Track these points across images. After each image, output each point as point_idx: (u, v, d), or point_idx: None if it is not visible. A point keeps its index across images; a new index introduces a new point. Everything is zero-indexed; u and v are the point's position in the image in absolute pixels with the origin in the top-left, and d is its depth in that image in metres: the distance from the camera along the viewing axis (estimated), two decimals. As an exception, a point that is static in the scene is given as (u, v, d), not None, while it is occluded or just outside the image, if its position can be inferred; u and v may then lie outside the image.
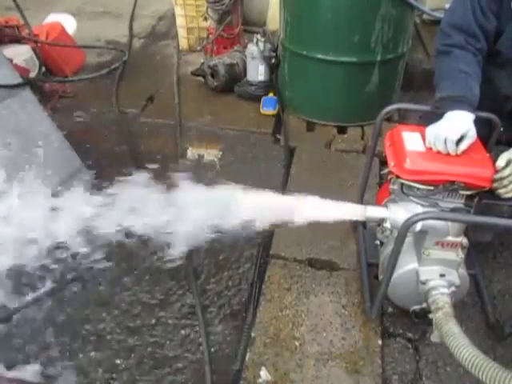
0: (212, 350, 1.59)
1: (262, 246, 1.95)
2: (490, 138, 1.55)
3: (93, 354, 1.57)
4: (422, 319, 1.50)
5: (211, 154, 2.53)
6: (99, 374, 1.51)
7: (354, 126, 2.71)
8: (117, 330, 1.64)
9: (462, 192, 1.36)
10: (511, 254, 1.95)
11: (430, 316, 1.35)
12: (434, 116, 1.46)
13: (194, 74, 3.13)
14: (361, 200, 1.81)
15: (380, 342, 1.56)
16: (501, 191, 1.32)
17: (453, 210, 1.39)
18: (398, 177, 1.41)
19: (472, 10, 1.49)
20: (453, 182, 1.33)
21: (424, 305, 1.44)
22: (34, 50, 2.99)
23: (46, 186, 1.59)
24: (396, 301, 1.56)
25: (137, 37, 4.02)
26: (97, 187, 1.49)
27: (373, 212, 1.44)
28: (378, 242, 1.68)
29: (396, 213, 1.40)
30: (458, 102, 1.41)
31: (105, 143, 2.59)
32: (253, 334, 1.57)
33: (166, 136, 2.67)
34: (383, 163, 2.16)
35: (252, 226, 1.39)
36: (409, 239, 1.45)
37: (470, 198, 1.38)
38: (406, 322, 1.63)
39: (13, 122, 1.89)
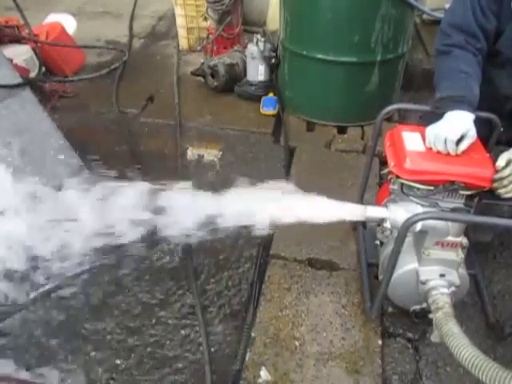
0: (212, 349, 1.59)
1: (261, 246, 1.95)
2: (490, 138, 1.55)
3: (93, 353, 1.57)
4: (421, 319, 1.50)
5: (211, 154, 2.53)
6: (99, 374, 1.52)
7: (354, 125, 2.71)
8: (117, 330, 1.64)
9: (461, 192, 1.36)
10: (511, 253, 1.95)
11: (430, 316, 1.35)
12: (434, 116, 1.46)
13: (193, 74, 3.13)
14: (361, 200, 1.81)
15: (380, 342, 1.56)
16: (501, 191, 1.32)
17: (453, 209, 1.39)
18: (398, 177, 1.41)
19: (472, 10, 1.49)
20: (453, 182, 1.33)
21: (424, 305, 1.44)
22: (34, 50, 2.99)
23: (46, 185, 1.59)
24: (396, 301, 1.56)
25: (137, 37, 4.01)
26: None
27: (373, 212, 1.44)
28: (377, 242, 1.68)
29: (396, 213, 1.40)
30: (457, 102, 1.41)
31: (105, 143, 2.59)
32: (253, 334, 1.57)
33: (165, 136, 2.67)
34: (383, 163, 2.16)
35: (250, 228, 1.39)
36: (409, 239, 1.45)
37: (470, 198, 1.38)
38: (406, 321, 1.63)
39: (13, 122, 1.89)
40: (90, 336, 1.63)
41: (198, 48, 3.49)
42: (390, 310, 1.68)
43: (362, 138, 2.63)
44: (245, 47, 3.08)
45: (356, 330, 1.59)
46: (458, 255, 1.40)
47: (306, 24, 2.44)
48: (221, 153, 2.54)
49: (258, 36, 2.90)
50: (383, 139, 1.59)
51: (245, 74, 3.03)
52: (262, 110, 2.85)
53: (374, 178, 2.23)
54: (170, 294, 1.77)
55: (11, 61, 2.41)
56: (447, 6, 1.68)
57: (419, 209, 1.38)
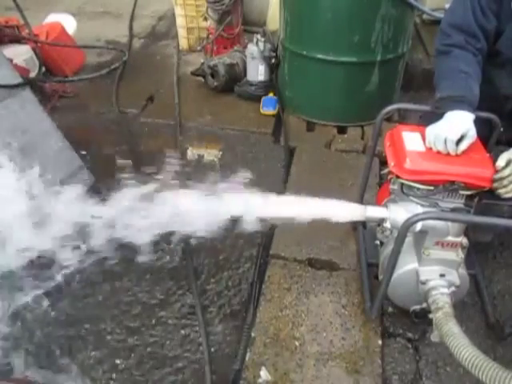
0: (212, 349, 1.59)
1: (261, 245, 1.95)
2: (490, 138, 1.55)
3: (93, 353, 1.57)
4: (421, 319, 1.50)
5: (211, 154, 2.53)
6: (99, 374, 1.52)
7: (354, 125, 2.71)
8: (117, 330, 1.64)
9: (462, 192, 1.36)
10: (511, 254, 1.95)
11: (430, 316, 1.35)
12: (434, 116, 1.46)
13: (193, 74, 3.13)
14: (361, 200, 1.81)
15: (380, 342, 1.56)
16: (501, 191, 1.32)
17: (453, 210, 1.39)
18: (398, 177, 1.41)
19: (472, 10, 1.49)
20: (453, 182, 1.33)
21: (424, 305, 1.44)
22: (34, 50, 2.99)
23: (46, 185, 1.59)
24: (396, 301, 1.56)
25: (137, 37, 4.02)
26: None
27: (373, 212, 1.44)
28: (377, 242, 1.68)
29: (396, 213, 1.40)
30: (458, 102, 1.41)
31: (105, 143, 2.59)
32: (253, 334, 1.57)
33: (166, 136, 2.67)
34: (383, 163, 2.16)
35: (251, 226, 1.39)
36: (409, 239, 1.45)
37: (470, 197, 1.38)
38: (406, 322, 1.63)
39: (13, 122, 1.89)
40: (89, 336, 1.63)
41: (198, 48, 3.49)
42: (390, 309, 1.68)
43: (362, 138, 2.63)
44: (245, 47, 3.08)
45: (356, 330, 1.59)
46: (458, 255, 1.40)
47: (306, 24, 2.44)
48: (221, 153, 2.54)
49: (258, 36, 2.90)
50: (383, 139, 1.59)
51: (245, 74, 3.03)
52: (262, 110, 2.85)
53: (374, 178, 2.23)
54: (170, 294, 1.77)
55: (11, 61, 2.41)
56: (447, 5, 1.68)
57: (419, 209, 1.38)
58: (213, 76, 3.01)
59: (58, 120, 2.14)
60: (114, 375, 1.51)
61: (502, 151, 1.34)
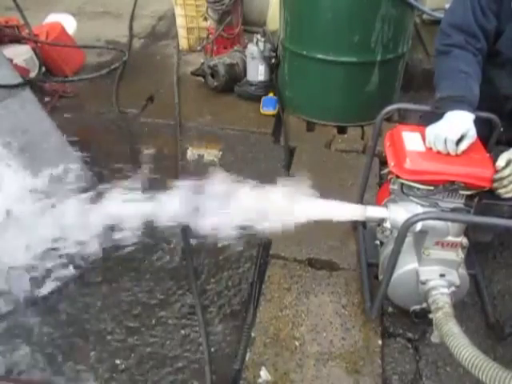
0: (212, 349, 1.59)
1: (262, 245, 1.95)
2: (490, 138, 1.55)
3: (93, 353, 1.57)
4: (421, 319, 1.50)
5: (211, 154, 2.53)
6: (99, 373, 1.51)
7: (354, 125, 2.71)
8: (117, 330, 1.64)
9: (462, 192, 1.36)
10: (511, 254, 1.95)
11: (430, 316, 1.35)
12: (434, 116, 1.46)
13: (193, 74, 3.13)
14: (361, 200, 1.81)
15: (380, 342, 1.56)
16: (501, 191, 1.32)
17: (453, 209, 1.39)
18: (398, 177, 1.41)
19: (472, 10, 1.49)
20: (453, 182, 1.33)
21: (424, 305, 1.44)
22: (34, 50, 2.99)
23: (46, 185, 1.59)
24: (396, 301, 1.56)
25: (137, 37, 4.01)
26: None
27: (373, 212, 1.44)
28: (377, 242, 1.68)
29: (396, 213, 1.40)
30: (458, 102, 1.41)
31: (105, 143, 2.59)
32: (253, 334, 1.57)
33: (166, 136, 2.67)
34: (383, 163, 2.16)
35: (251, 227, 1.39)
36: (409, 239, 1.45)
37: (470, 197, 1.38)
38: (406, 322, 1.63)
39: (12, 122, 1.88)
40: (89, 336, 1.63)
41: (198, 48, 3.49)
42: (390, 309, 1.68)
43: (362, 138, 2.63)
44: (245, 47, 3.08)
45: (356, 330, 1.59)
46: (458, 255, 1.40)
47: (306, 24, 2.44)
48: (221, 153, 2.54)
49: (258, 36, 2.90)
50: (383, 139, 1.59)
51: (245, 74, 3.03)
52: (262, 110, 2.85)
53: (374, 178, 2.23)
54: (170, 294, 1.77)
55: (11, 61, 2.41)
56: (447, 5, 1.68)
57: (419, 209, 1.38)
58: (213, 76, 3.01)
59: (58, 120, 2.14)
60: (114, 375, 1.51)
61: (502, 151, 1.34)
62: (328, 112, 2.70)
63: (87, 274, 1.82)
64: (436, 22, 2.95)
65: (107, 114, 2.87)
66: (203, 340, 1.59)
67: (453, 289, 1.39)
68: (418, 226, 1.33)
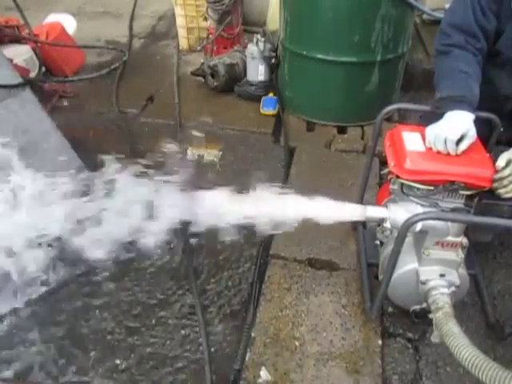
0: (212, 349, 1.59)
1: (261, 246, 1.95)
2: (490, 138, 1.55)
3: (93, 353, 1.57)
4: (421, 319, 1.50)
5: (211, 154, 2.53)
6: (99, 373, 1.51)
7: (354, 125, 2.71)
8: (117, 330, 1.64)
9: (462, 192, 1.36)
10: (511, 253, 1.95)
11: (430, 316, 1.35)
12: (434, 116, 1.46)
13: (193, 74, 3.13)
14: (361, 200, 1.81)
15: (380, 342, 1.56)
16: (501, 191, 1.32)
17: (453, 209, 1.39)
18: (398, 177, 1.41)
19: (472, 10, 1.49)
20: (453, 182, 1.33)
21: (424, 305, 1.44)
22: (34, 50, 2.99)
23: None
24: (396, 301, 1.56)
25: (137, 37, 4.01)
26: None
27: (373, 212, 1.44)
28: (377, 242, 1.68)
29: (396, 213, 1.40)
30: (458, 102, 1.41)
31: (105, 143, 2.59)
32: (253, 334, 1.57)
33: (166, 136, 2.67)
34: (383, 163, 2.16)
35: (252, 226, 1.39)
36: (409, 239, 1.45)
37: (470, 197, 1.38)
38: (406, 321, 1.63)
39: (13, 122, 1.88)
40: (90, 336, 1.63)
41: (198, 48, 3.49)
42: (390, 309, 1.68)
43: (362, 138, 2.63)
44: (245, 47, 3.08)
45: (356, 330, 1.59)
46: (458, 255, 1.40)
47: (306, 24, 2.44)
48: (221, 153, 2.54)
49: (258, 36, 2.90)
50: (383, 139, 1.59)
51: (245, 74, 3.03)
52: (262, 110, 2.85)
53: (374, 178, 2.23)
54: (170, 294, 1.77)
55: (11, 61, 2.41)
56: (447, 6, 1.68)
57: (419, 209, 1.38)
58: (213, 76, 3.01)
59: (58, 120, 2.14)
60: (114, 375, 1.51)
61: (502, 151, 1.34)
62: (328, 112, 2.70)
63: (87, 273, 1.82)
64: (436, 21, 2.95)
65: (107, 114, 2.87)
66: (203, 340, 1.59)
67: (453, 289, 1.39)
68: (418, 226, 1.33)
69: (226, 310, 1.73)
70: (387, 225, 1.42)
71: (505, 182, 1.30)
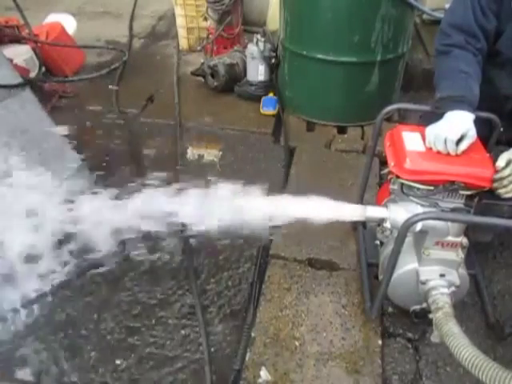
0: (212, 349, 1.59)
1: (262, 246, 1.95)
2: (490, 138, 1.55)
3: (93, 353, 1.57)
4: (421, 319, 1.50)
5: (211, 154, 2.53)
6: (99, 373, 1.52)
7: (354, 125, 2.71)
8: (117, 330, 1.64)
9: (462, 192, 1.36)
10: (511, 254, 1.95)
11: (430, 316, 1.35)
12: (434, 116, 1.46)
13: (193, 74, 3.13)
14: (361, 200, 1.81)
15: (380, 342, 1.56)
16: (501, 191, 1.32)
17: (453, 209, 1.39)
18: (398, 177, 1.41)
19: (472, 10, 1.49)
20: (453, 182, 1.33)
21: (424, 305, 1.44)
22: (34, 50, 2.99)
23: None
24: (396, 301, 1.56)
25: (137, 37, 4.01)
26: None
27: (373, 212, 1.44)
28: (377, 242, 1.68)
29: (396, 213, 1.40)
30: (458, 102, 1.41)
31: (105, 143, 2.59)
32: (253, 334, 1.57)
33: (166, 136, 2.67)
34: (383, 163, 2.16)
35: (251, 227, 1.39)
36: (409, 239, 1.45)
37: (470, 197, 1.38)
38: (406, 322, 1.63)
39: (12, 122, 1.89)
40: (90, 336, 1.63)
41: (198, 48, 3.49)
42: (390, 310, 1.68)
43: (362, 138, 2.63)
44: (245, 47, 3.08)
45: (356, 330, 1.59)
46: (458, 255, 1.40)
47: (306, 24, 2.44)
48: (221, 153, 2.54)
49: (258, 36, 2.90)
50: (383, 139, 1.59)
51: (245, 74, 3.03)
52: (262, 110, 2.85)
53: (374, 178, 2.23)
54: (170, 294, 1.77)
55: (11, 61, 2.41)
56: (447, 6, 1.68)
57: (419, 209, 1.38)
58: (213, 76, 3.01)
59: (58, 120, 2.14)
60: (114, 375, 1.51)
61: (502, 151, 1.34)
62: (328, 112, 2.70)
63: (87, 273, 1.82)
64: (436, 21, 2.95)
65: (107, 114, 2.87)
66: (203, 340, 1.59)
67: (453, 289, 1.39)
68: (418, 226, 1.33)
69: (225, 310, 1.73)
70: (387, 225, 1.42)
71: (505, 181, 1.30)
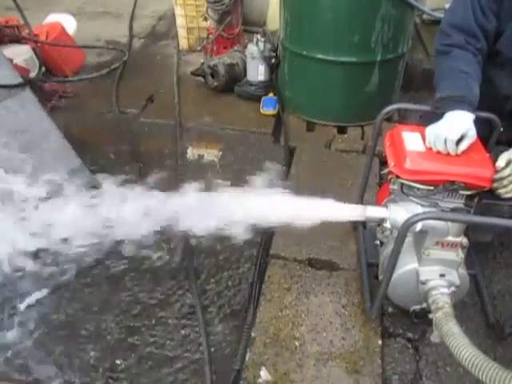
0: (212, 349, 1.59)
1: (262, 246, 1.95)
2: (490, 138, 1.55)
3: (93, 353, 1.57)
4: (421, 319, 1.50)
5: (211, 154, 2.53)
6: (99, 373, 1.52)
7: (354, 125, 2.71)
8: (117, 330, 1.64)
9: (462, 192, 1.36)
10: (511, 254, 1.95)
11: (430, 316, 1.35)
12: (434, 116, 1.46)
13: (193, 74, 3.13)
14: (361, 200, 1.81)
15: (380, 342, 1.56)
16: (501, 191, 1.32)
17: (453, 209, 1.39)
18: (398, 177, 1.41)
19: (472, 10, 1.49)
20: (453, 182, 1.33)
21: (424, 305, 1.44)
22: (34, 50, 2.98)
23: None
24: (396, 301, 1.56)
25: (137, 37, 4.01)
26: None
27: (373, 212, 1.44)
28: (377, 242, 1.68)
29: (396, 213, 1.40)
30: (458, 102, 1.41)
31: (105, 143, 2.59)
32: (253, 334, 1.57)
33: (166, 136, 2.67)
34: (383, 163, 2.16)
35: (251, 227, 1.39)
36: (409, 239, 1.45)
37: (470, 198, 1.38)
38: (406, 322, 1.63)
39: (12, 122, 1.88)
40: (90, 336, 1.63)
41: (198, 48, 3.49)
42: (390, 310, 1.68)
43: (362, 138, 2.63)
44: (245, 47, 3.08)
45: (356, 330, 1.59)
46: (458, 255, 1.40)
47: (306, 24, 2.44)
48: (221, 153, 2.54)
49: (258, 36, 2.89)
50: (383, 139, 1.59)
51: (245, 74, 3.03)
52: (262, 110, 2.85)
53: (374, 178, 2.23)
54: (170, 294, 1.77)
55: (11, 61, 2.41)
56: (447, 5, 1.69)
57: (419, 209, 1.38)
58: (213, 76, 3.01)
59: (58, 120, 2.14)
60: (114, 375, 1.51)
61: (502, 151, 1.34)
62: (328, 112, 2.70)
63: (87, 273, 1.82)
64: (436, 21, 2.95)
65: (107, 114, 2.87)
66: (203, 340, 1.59)
67: (453, 289, 1.39)
68: (418, 226, 1.33)
69: (225, 310, 1.73)
70: (387, 225, 1.42)
71: (505, 181, 1.30)
